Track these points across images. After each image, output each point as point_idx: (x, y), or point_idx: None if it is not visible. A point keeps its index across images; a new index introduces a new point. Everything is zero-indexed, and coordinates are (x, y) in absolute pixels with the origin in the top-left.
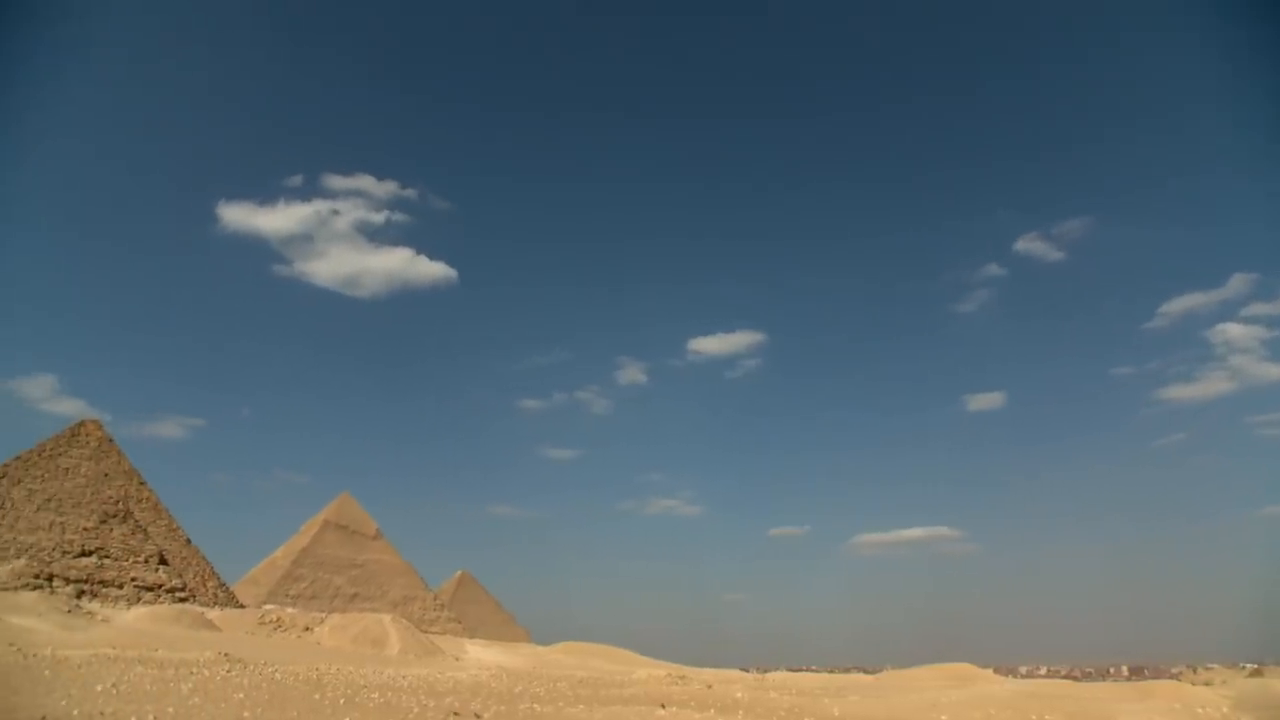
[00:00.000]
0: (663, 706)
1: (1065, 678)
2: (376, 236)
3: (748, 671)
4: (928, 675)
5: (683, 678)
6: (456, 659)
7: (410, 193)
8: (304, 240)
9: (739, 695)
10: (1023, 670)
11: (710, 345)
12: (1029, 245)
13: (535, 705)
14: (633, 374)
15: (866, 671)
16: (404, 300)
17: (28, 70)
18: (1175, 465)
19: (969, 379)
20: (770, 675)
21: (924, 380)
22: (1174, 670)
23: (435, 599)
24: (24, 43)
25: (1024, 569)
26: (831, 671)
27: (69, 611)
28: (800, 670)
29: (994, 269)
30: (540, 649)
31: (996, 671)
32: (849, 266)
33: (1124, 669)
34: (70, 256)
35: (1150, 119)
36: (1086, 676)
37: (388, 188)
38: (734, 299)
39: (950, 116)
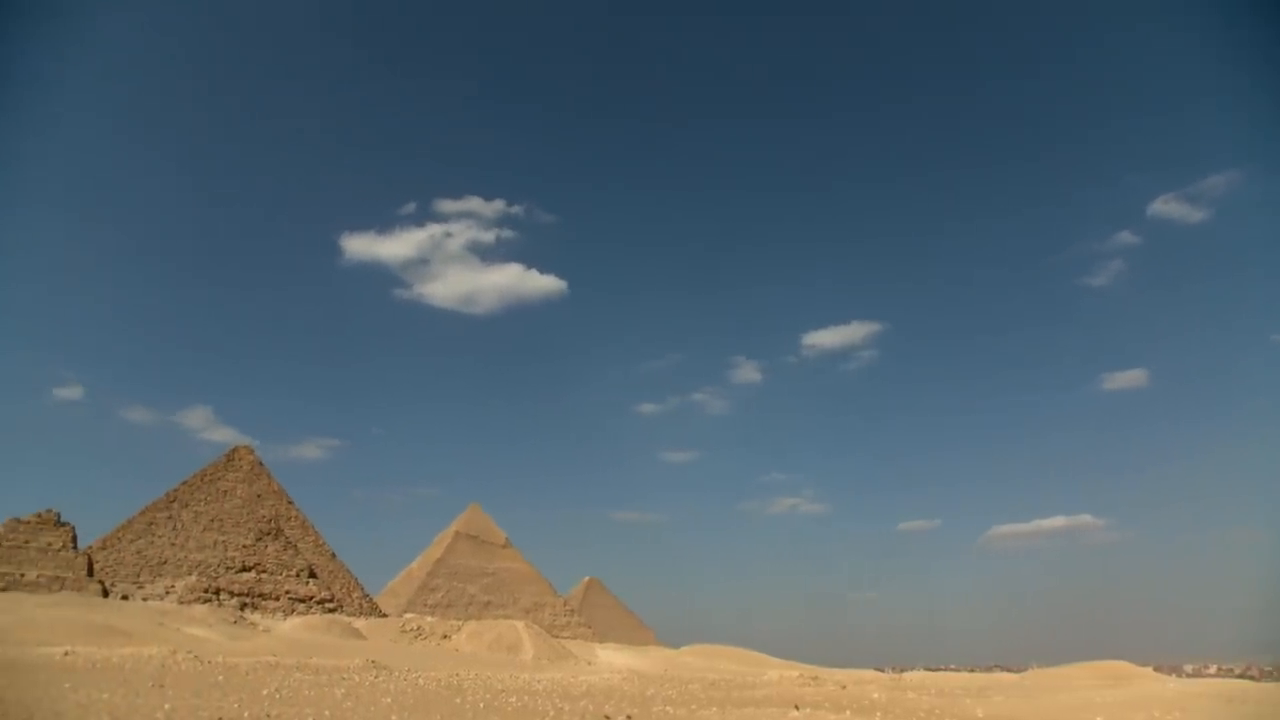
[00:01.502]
0: (796, 708)
1: (1240, 676)
2: (488, 255)
3: (883, 671)
4: (1078, 674)
5: (815, 678)
6: (589, 663)
7: (517, 210)
8: (421, 264)
9: (875, 696)
10: (1188, 669)
11: (825, 339)
12: (1165, 208)
13: (668, 708)
14: (747, 373)
15: (1010, 670)
16: (517, 314)
17: (163, 136)
18: None
19: (1106, 357)
20: (907, 675)
21: (1056, 361)
22: None
23: (565, 605)
24: (150, 109)
25: (1181, 557)
26: (972, 671)
27: (234, 623)
28: (939, 670)
29: (1127, 237)
30: (669, 651)
31: (1156, 670)
32: (967, 247)
33: None
34: (216, 298)
35: None
36: (1265, 675)
37: (495, 207)
38: (846, 290)
39: (1065, 79)
